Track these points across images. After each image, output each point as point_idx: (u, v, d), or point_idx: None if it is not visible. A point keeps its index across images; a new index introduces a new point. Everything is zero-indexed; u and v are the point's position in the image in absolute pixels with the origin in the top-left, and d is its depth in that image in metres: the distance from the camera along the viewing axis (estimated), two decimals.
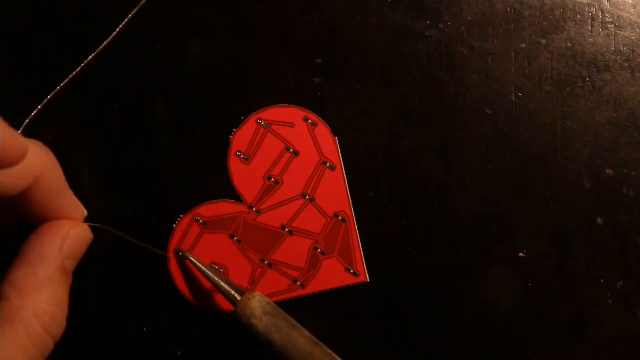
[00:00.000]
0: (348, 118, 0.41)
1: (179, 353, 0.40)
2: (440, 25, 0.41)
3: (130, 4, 0.40)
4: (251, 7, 0.41)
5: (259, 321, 0.36)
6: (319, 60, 0.41)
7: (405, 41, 0.41)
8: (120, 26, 0.40)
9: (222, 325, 0.40)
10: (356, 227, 0.40)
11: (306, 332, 0.36)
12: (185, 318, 0.40)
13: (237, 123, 0.40)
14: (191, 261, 0.39)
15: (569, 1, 0.41)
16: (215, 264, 0.39)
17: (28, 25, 0.40)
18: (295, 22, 0.41)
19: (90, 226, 0.36)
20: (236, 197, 0.40)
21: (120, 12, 0.40)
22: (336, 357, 0.36)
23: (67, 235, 0.34)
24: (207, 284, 0.39)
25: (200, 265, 0.38)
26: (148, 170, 0.40)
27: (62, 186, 0.35)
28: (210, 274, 0.38)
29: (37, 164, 0.32)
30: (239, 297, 0.37)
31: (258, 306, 0.36)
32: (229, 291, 0.37)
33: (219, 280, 0.37)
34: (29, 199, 0.33)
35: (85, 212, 0.37)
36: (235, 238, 0.40)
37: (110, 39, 0.40)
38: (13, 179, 0.31)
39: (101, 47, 0.40)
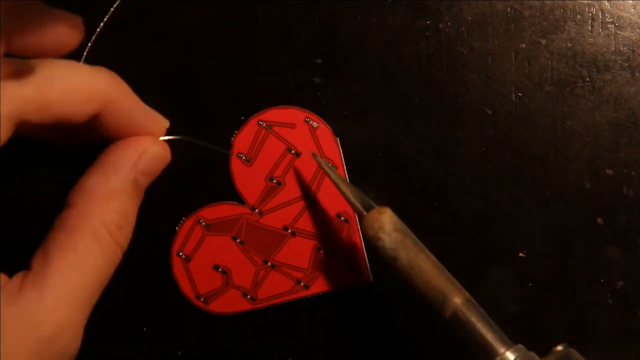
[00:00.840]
0: (348, 118, 0.41)
1: (179, 353, 0.40)
2: (440, 25, 0.41)
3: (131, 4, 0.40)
4: (251, 7, 0.41)
5: (387, 236, 0.35)
6: (319, 60, 0.41)
7: (405, 41, 0.41)
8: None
9: (222, 325, 0.40)
10: (359, 227, 0.40)
11: (433, 257, 0.35)
12: (185, 318, 0.40)
13: (238, 123, 0.40)
14: (323, 168, 0.38)
15: (569, 1, 0.41)
16: (218, 265, 0.39)
17: None
18: (295, 22, 0.41)
19: (169, 140, 0.37)
20: (238, 198, 0.40)
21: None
22: (459, 285, 0.35)
23: (144, 151, 0.35)
24: (216, 284, 0.40)
25: (330, 173, 0.38)
26: None
27: (135, 105, 0.35)
28: (339, 183, 0.37)
29: (102, 88, 0.32)
30: (365, 212, 0.36)
31: (388, 221, 0.35)
32: (355, 204, 0.36)
33: (347, 192, 0.37)
34: (101, 123, 0.33)
35: (167, 123, 0.37)
36: (238, 240, 0.40)
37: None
38: (78, 104, 0.31)
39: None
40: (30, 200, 0.39)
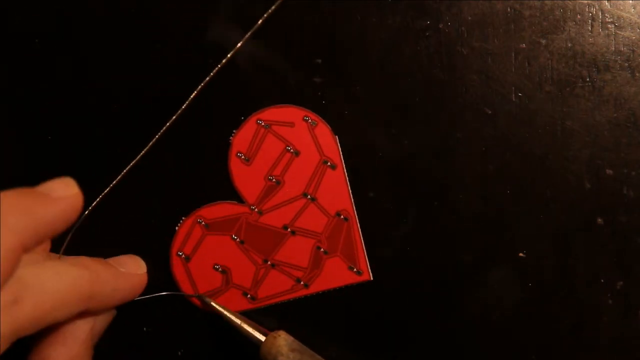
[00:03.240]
0: (348, 118, 0.41)
1: (179, 353, 0.40)
2: (440, 25, 0.41)
3: (132, 5, 0.41)
4: (251, 7, 0.41)
5: (285, 358, 0.36)
6: (319, 60, 0.41)
7: (405, 41, 0.41)
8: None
9: (222, 325, 0.40)
10: (358, 225, 0.40)
11: None
12: (185, 318, 0.40)
13: (237, 123, 0.40)
14: (212, 306, 0.39)
15: (569, 1, 0.41)
16: (218, 265, 0.39)
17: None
18: (295, 22, 0.41)
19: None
20: (238, 198, 0.40)
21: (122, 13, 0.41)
22: None
23: (97, 317, 0.36)
24: (215, 284, 0.40)
25: (222, 310, 0.39)
26: (149, 172, 0.40)
27: (116, 285, 0.36)
28: (232, 317, 0.38)
29: (86, 287, 0.33)
30: (262, 338, 0.37)
31: (284, 344, 0.37)
32: (252, 333, 0.38)
33: (242, 324, 0.38)
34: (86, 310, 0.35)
35: (145, 268, 0.39)
36: (238, 239, 0.40)
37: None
38: (68, 308, 0.33)
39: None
40: None
